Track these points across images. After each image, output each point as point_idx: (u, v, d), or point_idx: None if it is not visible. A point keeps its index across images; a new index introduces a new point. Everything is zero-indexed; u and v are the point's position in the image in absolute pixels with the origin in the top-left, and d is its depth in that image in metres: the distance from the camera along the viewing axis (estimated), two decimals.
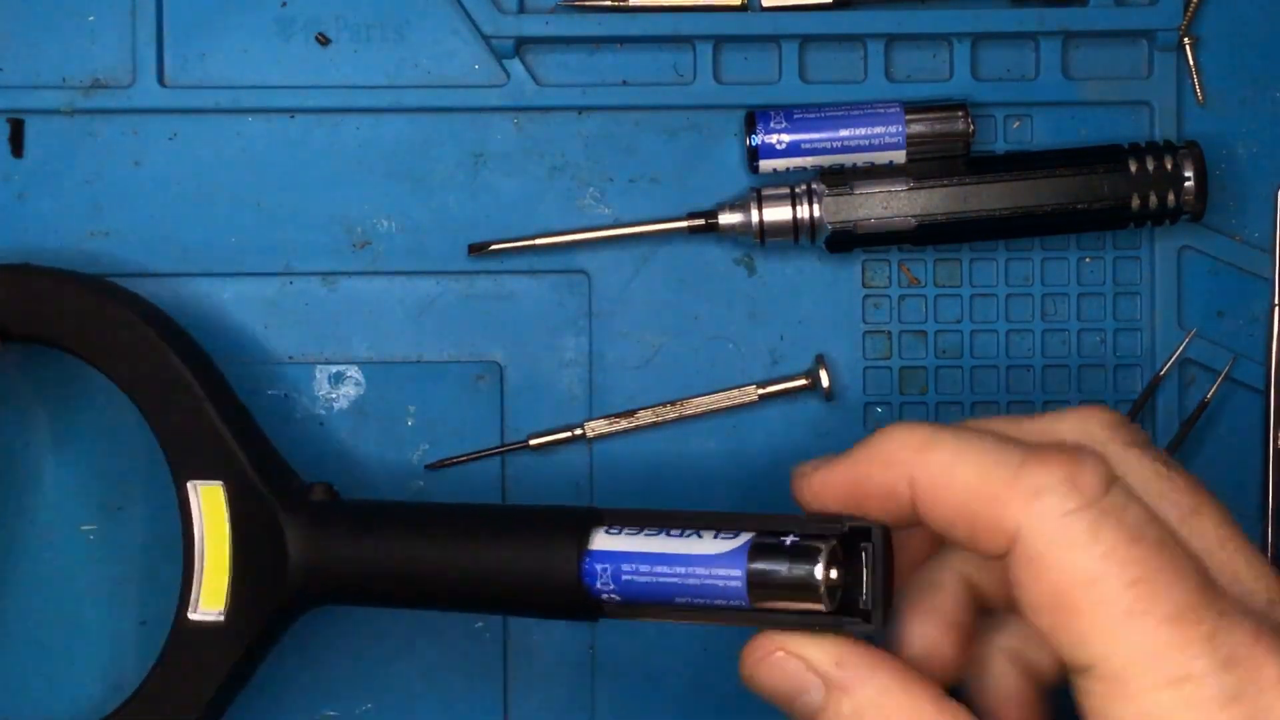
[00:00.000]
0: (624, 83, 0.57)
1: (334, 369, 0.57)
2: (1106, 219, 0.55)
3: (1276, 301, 0.57)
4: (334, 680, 0.56)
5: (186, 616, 0.48)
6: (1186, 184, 0.55)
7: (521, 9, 0.56)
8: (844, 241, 0.55)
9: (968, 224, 0.55)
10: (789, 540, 0.40)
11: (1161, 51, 0.57)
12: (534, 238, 0.56)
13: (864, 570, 0.39)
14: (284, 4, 0.57)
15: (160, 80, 0.56)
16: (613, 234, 0.56)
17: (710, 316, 0.57)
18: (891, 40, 0.57)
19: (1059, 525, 0.35)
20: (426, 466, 0.56)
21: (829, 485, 0.41)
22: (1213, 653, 0.34)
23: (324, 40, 0.57)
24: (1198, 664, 0.34)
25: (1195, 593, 0.35)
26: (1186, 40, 0.57)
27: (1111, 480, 0.36)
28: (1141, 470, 0.40)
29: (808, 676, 0.39)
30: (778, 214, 0.55)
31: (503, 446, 0.56)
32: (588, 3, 0.56)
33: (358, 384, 0.57)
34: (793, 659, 0.39)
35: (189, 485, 0.49)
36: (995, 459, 0.37)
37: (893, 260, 0.57)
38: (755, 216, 0.55)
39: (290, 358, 0.57)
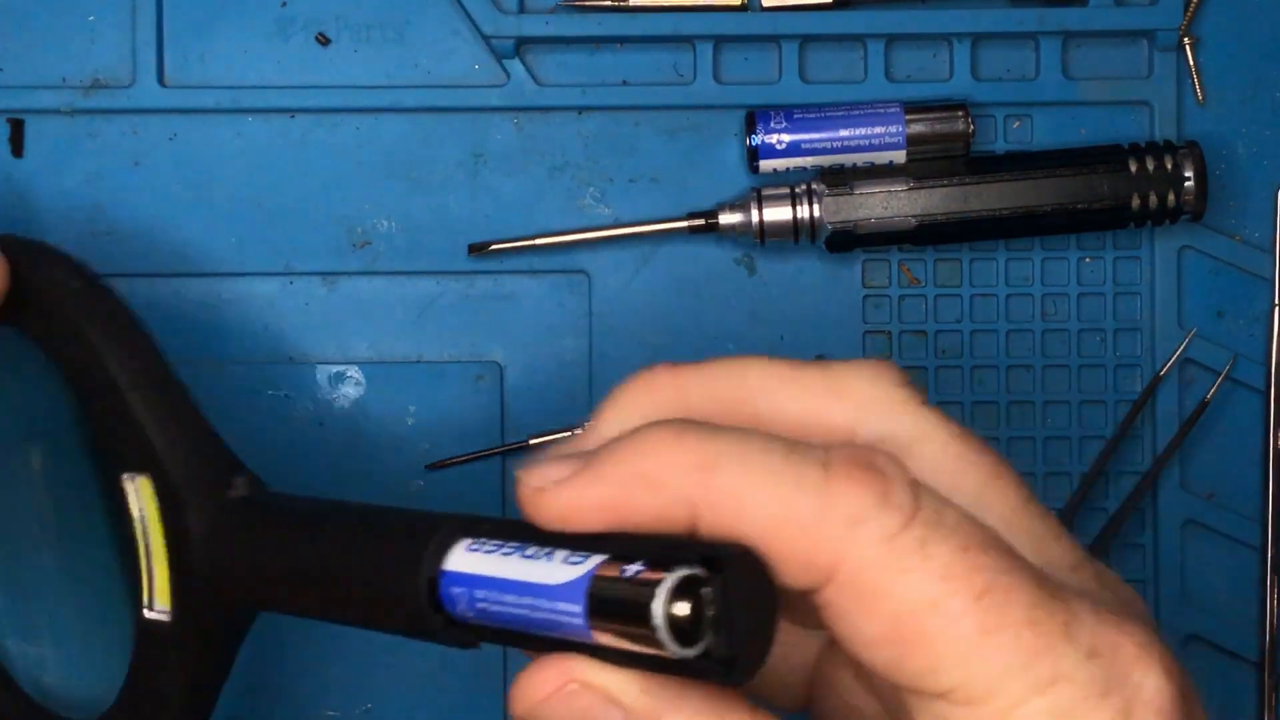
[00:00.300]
0: (624, 83, 0.57)
1: (334, 369, 0.57)
2: (1106, 219, 0.55)
3: (1276, 301, 0.57)
4: (334, 680, 0.56)
5: (143, 615, 0.44)
6: (1186, 184, 0.55)
7: (521, 9, 0.56)
8: (844, 241, 0.55)
9: (968, 224, 0.55)
10: (631, 570, 0.31)
11: (1161, 51, 0.57)
12: (534, 238, 0.56)
13: (708, 606, 0.30)
14: (284, 4, 0.57)
15: (160, 80, 0.56)
16: (613, 234, 0.56)
17: (710, 316, 0.57)
18: (891, 40, 0.57)
19: (886, 552, 0.30)
20: (426, 466, 0.56)
21: (580, 510, 0.32)
22: (1075, 646, 0.31)
23: (324, 40, 0.57)
24: (1065, 662, 0.31)
25: (1038, 586, 0.31)
26: (1186, 40, 0.57)
27: (917, 485, 0.31)
28: (939, 435, 0.35)
29: (609, 711, 0.32)
30: (778, 214, 0.55)
31: (503, 446, 0.56)
32: (588, 3, 0.56)
33: (358, 384, 0.57)
34: (587, 692, 0.32)
35: (123, 478, 0.44)
36: (795, 480, 0.31)
37: (893, 260, 0.57)
38: (755, 216, 0.55)
39: (290, 358, 0.57)
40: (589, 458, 0.33)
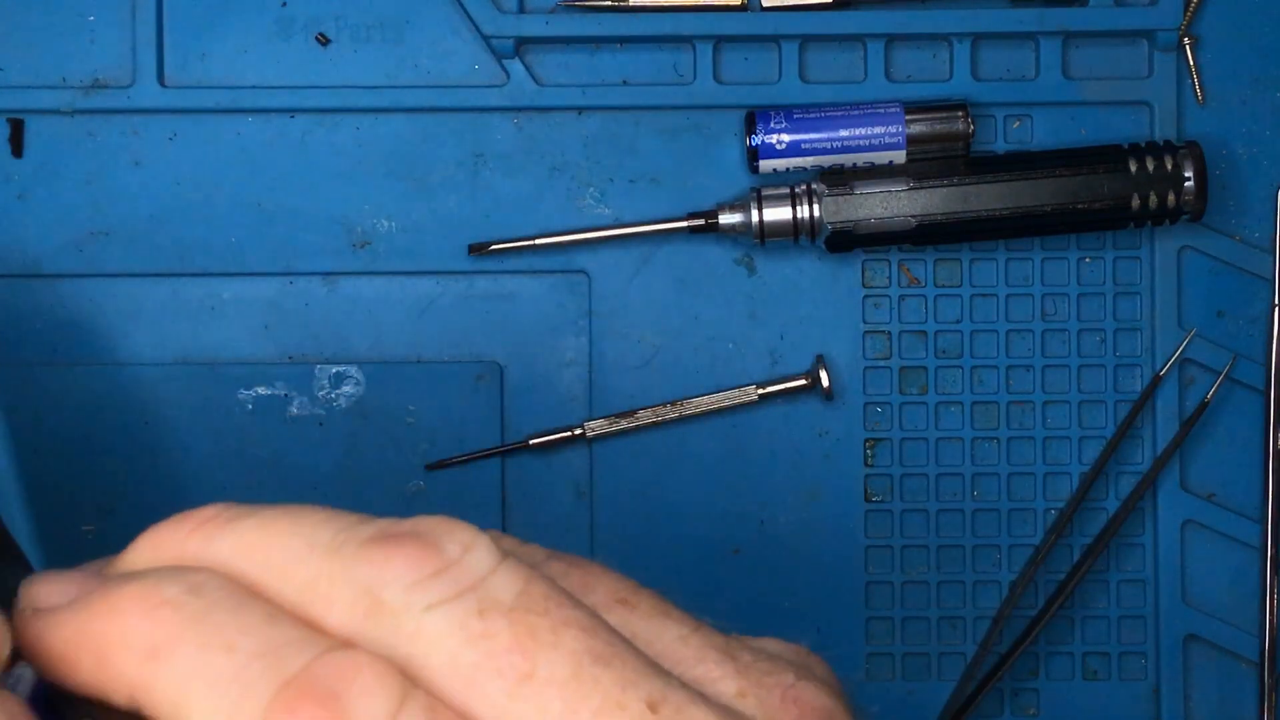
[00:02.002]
0: (624, 83, 0.57)
1: (334, 369, 0.57)
2: (1106, 219, 0.55)
3: (1276, 301, 0.57)
4: None
5: None
6: (1186, 184, 0.55)
7: (521, 9, 0.56)
8: (844, 241, 0.55)
9: (968, 224, 0.55)
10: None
11: (1161, 51, 0.57)
12: (534, 238, 0.56)
13: None
14: (284, 4, 0.57)
15: (160, 80, 0.56)
16: (613, 234, 0.56)
17: (710, 316, 0.57)
18: (891, 40, 0.57)
19: None
20: (426, 466, 0.56)
21: (72, 646, 0.26)
22: None
23: (324, 40, 0.57)
24: None
25: None
26: (1186, 40, 0.57)
27: None
28: (447, 646, 0.25)
29: None
30: (778, 214, 0.55)
31: (503, 446, 0.56)
32: (588, 3, 0.56)
33: (358, 384, 0.57)
34: None
35: None
36: (241, 701, 0.24)
37: (893, 260, 0.57)
38: (755, 216, 0.55)
39: (290, 358, 0.57)
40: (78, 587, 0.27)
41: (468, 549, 0.26)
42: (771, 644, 0.30)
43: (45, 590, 0.27)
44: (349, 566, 0.25)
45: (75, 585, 0.27)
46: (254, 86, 0.56)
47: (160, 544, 0.27)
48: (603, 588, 0.29)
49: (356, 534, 0.26)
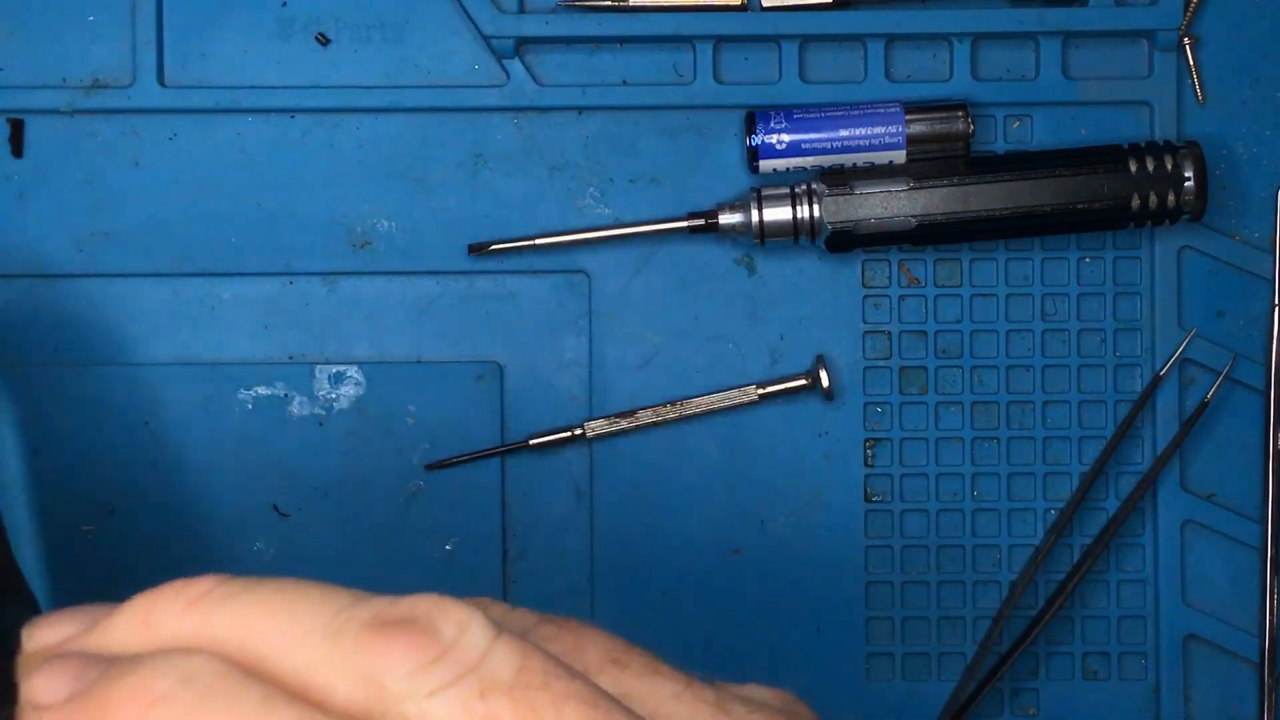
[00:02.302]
0: (624, 83, 0.57)
1: (334, 369, 0.57)
2: (1106, 219, 0.55)
3: (1276, 301, 0.57)
4: None
5: None
6: (1186, 184, 0.55)
7: (521, 9, 0.56)
8: (844, 241, 0.55)
9: (968, 224, 0.55)
10: None
11: (1161, 51, 0.57)
12: (534, 238, 0.56)
13: None
14: (284, 4, 0.57)
15: (160, 80, 0.56)
16: (613, 234, 0.56)
17: (710, 316, 0.57)
18: (891, 40, 0.57)
19: None
20: (426, 466, 0.56)
21: None
22: None
23: (324, 40, 0.57)
24: None
25: None
26: (1186, 40, 0.57)
27: None
28: None
29: None
30: (778, 214, 0.55)
31: (503, 446, 0.56)
32: (588, 3, 0.56)
33: (358, 384, 0.57)
34: None
35: None
36: None
37: (893, 260, 0.57)
38: (755, 216, 0.55)
39: (290, 358, 0.57)
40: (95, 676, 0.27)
41: (463, 629, 0.26)
42: (757, 691, 0.31)
43: (42, 682, 0.27)
44: (350, 654, 0.26)
45: (71, 674, 0.27)
46: (254, 86, 0.56)
47: (156, 617, 0.27)
48: (595, 649, 0.29)
49: (354, 617, 0.26)
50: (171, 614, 0.27)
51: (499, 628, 0.26)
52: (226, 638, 0.26)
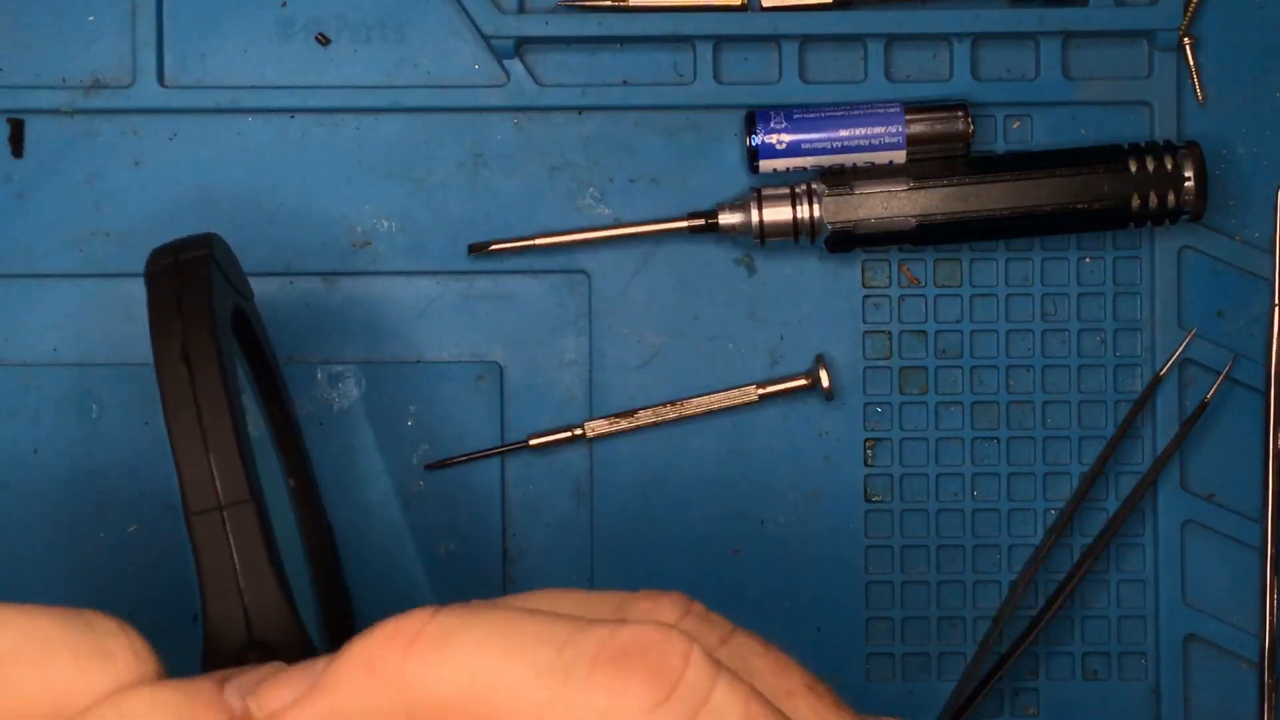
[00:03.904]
0: (624, 83, 0.57)
1: (334, 369, 0.57)
2: (1106, 219, 0.55)
3: (1276, 301, 0.57)
4: None
5: None
6: (1186, 184, 0.55)
7: (521, 9, 0.56)
8: (844, 241, 0.55)
9: (968, 224, 0.55)
10: None
11: (1161, 51, 0.57)
12: (534, 238, 0.56)
13: None
14: (284, 4, 0.57)
15: (160, 80, 0.56)
16: (613, 234, 0.56)
17: (710, 316, 0.57)
18: (891, 40, 0.57)
19: None
20: (426, 466, 0.56)
21: None
22: None
23: (324, 40, 0.57)
24: None
25: None
26: (1186, 40, 0.57)
27: None
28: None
29: None
30: (778, 214, 0.55)
31: (503, 446, 0.56)
32: (588, 3, 0.56)
33: (358, 384, 0.57)
34: None
35: None
36: None
37: (893, 260, 0.57)
38: (755, 216, 0.55)
39: (290, 358, 0.57)
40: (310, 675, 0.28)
41: (688, 661, 0.26)
42: None
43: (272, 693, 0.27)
44: (583, 691, 0.26)
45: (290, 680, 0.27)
46: (254, 86, 0.56)
47: (377, 667, 0.27)
48: (795, 673, 0.31)
49: (582, 652, 0.26)
50: (393, 663, 0.27)
51: (716, 662, 0.27)
52: (453, 681, 0.26)
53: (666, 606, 0.32)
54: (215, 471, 0.39)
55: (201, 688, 0.27)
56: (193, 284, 0.42)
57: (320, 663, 0.28)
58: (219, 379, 0.40)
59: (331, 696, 0.27)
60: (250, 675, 0.28)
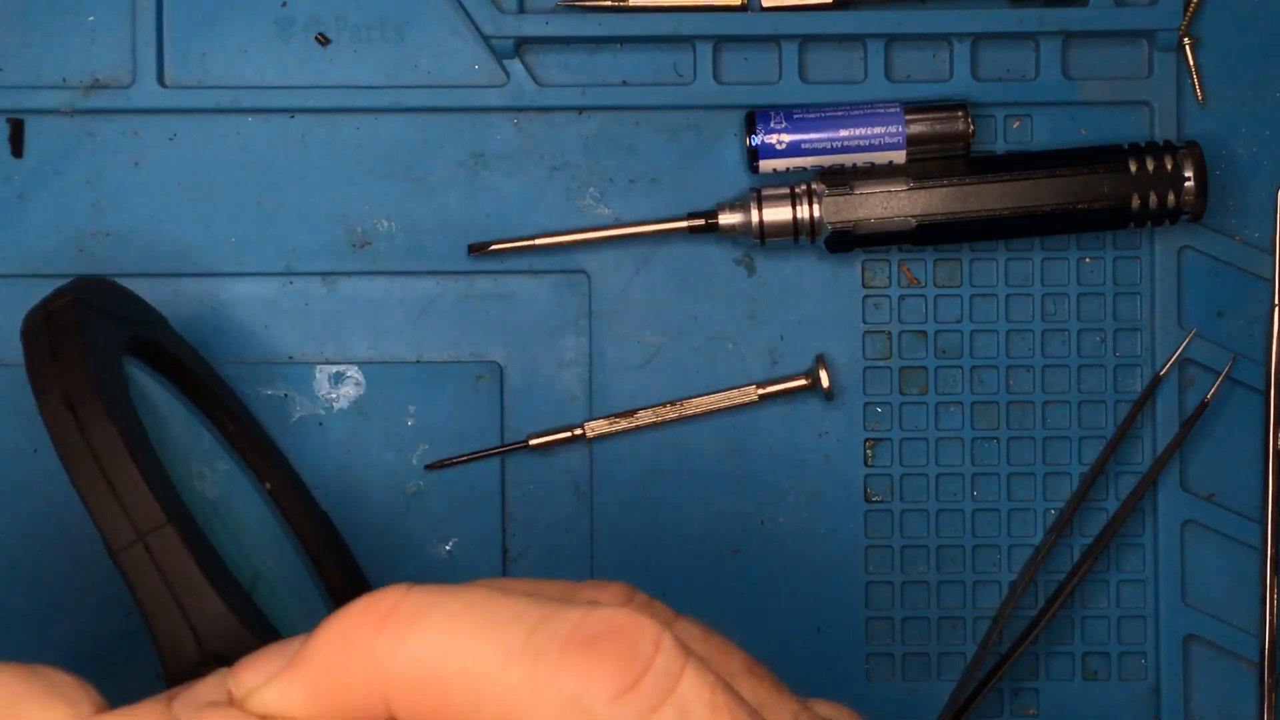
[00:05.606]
0: (624, 83, 0.57)
1: (334, 369, 0.57)
2: (1106, 219, 0.55)
3: (1276, 301, 0.57)
4: None
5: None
6: (1186, 184, 0.55)
7: (521, 9, 0.56)
8: (844, 241, 0.55)
9: (968, 224, 0.55)
10: None
11: (1161, 51, 0.57)
12: (534, 238, 0.56)
13: None
14: (284, 4, 0.57)
15: (160, 80, 0.56)
16: (613, 234, 0.56)
17: (710, 316, 0.57)
18: (891, 40, 0.57)
19: None
20: (426, 466, 0.56)
21: (295, 703, 0.28)
22: None
23: (324, 40, 0.57)
24: None
25: None
26: (1186, 40, 0.57)
27: None
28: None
29: None
30: (778, 214, 0.55)
31: (502, 446, 0.56)
32: (588, 3, 0.56)
33: (358, 384, 0.57)
34: None
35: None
36: None
37: (893, 260, 0.57)
38: (755, 216, 0.55)
39: (290, 358, 0.57)
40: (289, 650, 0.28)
41: (658, 648, 0.27)
42: (826, 708, 0.33)
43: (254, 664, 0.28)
44: (553, 674, 0.26)
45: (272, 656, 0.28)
46: (254, 86, 0.56)
47: (351, 643, 0.27)
48: (736, 657, 0.31)
49: (554, 634, 0.26)
50: (366, 640, 0.27)
51: (687, 650, 0.27)
52: (425, 658, 0.26)
53: (611, 595, 0.32)
54: (124, 505, 0.40)
55: (150, 710, 0.28)
56: (63, 333, 0.42)
57: (297, 640, 0.28)
58: (104, 416, 0.40)
59: (307, 670, 0.27)
60: (197, 688, 0.28)
